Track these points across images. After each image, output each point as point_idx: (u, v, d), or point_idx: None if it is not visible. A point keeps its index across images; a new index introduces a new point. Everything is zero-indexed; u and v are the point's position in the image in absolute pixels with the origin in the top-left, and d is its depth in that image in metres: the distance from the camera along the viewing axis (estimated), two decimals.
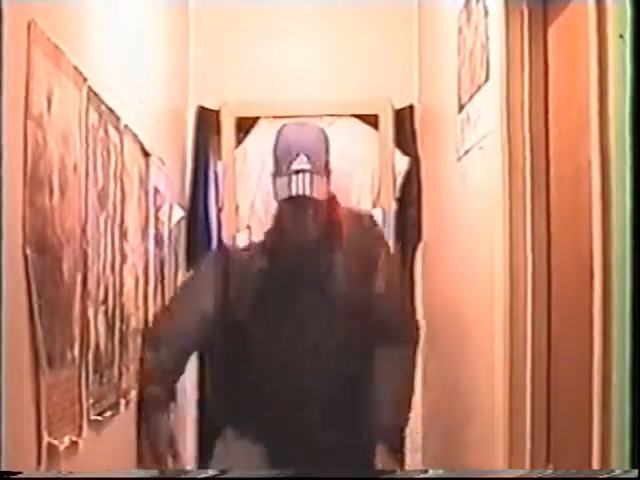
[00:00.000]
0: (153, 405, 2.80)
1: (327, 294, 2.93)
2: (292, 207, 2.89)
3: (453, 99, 3.51)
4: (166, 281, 3.87)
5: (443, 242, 4.00)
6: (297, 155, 2.87)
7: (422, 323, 3.39)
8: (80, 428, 2.33)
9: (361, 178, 4.70)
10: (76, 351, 2.32)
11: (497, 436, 2.74)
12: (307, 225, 2.90)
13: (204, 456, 4.49)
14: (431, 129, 4.39)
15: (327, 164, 2.96)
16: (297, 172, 2.85)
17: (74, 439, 2.25)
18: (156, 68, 3.84)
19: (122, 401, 2.89)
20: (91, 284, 2.47)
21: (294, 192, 2.83)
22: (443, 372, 3.96)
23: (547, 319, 2.62)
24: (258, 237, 3.38)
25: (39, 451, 2.01)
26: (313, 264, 2.95)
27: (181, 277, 4.41)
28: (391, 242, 4.65)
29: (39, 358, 2.00)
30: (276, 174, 2.92)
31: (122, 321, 2.89)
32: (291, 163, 2.86)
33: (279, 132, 3.01)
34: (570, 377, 2.36)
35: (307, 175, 2.83)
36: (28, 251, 1.93)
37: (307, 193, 2.83)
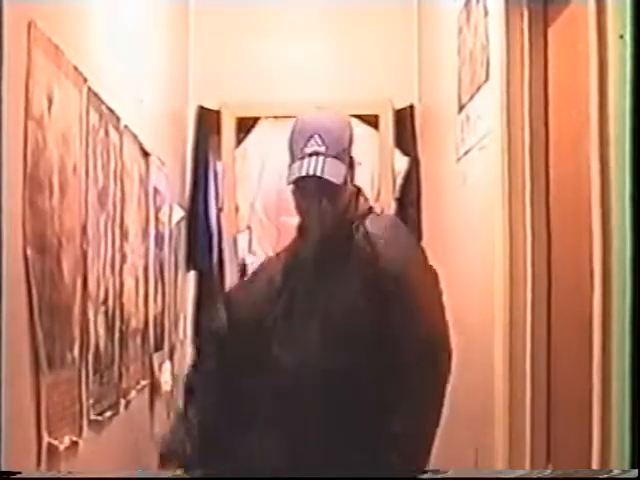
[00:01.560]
0: None
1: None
2: (302, 190, 2.52)
3: (453, 99, 3.51)
4: (166, 281, 3.87)
5: (443, 242, 4.00)
6: (311, 137, 2.53)
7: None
8: (80, 428, 2.33)
9: (361, 178, 4.69)
10: (76, 351, 2.32)
11: (497, 436, 2.74)
12: (320, 209, 2.52)
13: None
14: (431, 129, 4.39)
15: (347, 151, 2.58)
16: (310, 155, 2.49)
17: (74, 439, 2.25)
18: (156, 68, 3.84)
19: (122, 401, 2.89)
20: (91, 284, 2.46)
21: (304, 172, 2.48)
22: None
23: (547, 319, 2.62)
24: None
25: (39, 451, 2.01)
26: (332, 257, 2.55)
27: (181, 277, 4.42)
28: None
29: (39, 359, 2.00)
30: (290, 163, 2.56)
31: (122, 321, 2.89)
32: (305, 146, 2.51)
33: (297, 118, 2.64)
34: (570, 377, 2.36)
35: (321, 157, 2.49)
36: (28, 252, 1.93)
37: (318, 173, 2.47)
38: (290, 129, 2.61)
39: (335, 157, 2.50)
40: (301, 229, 2.62)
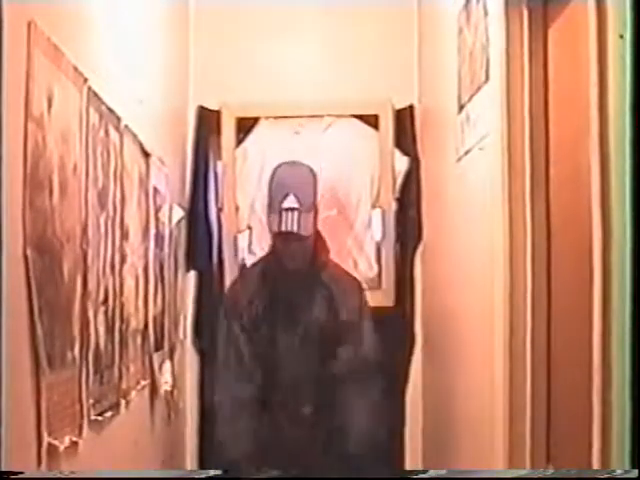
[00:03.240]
0: None
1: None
2: (283, 241, 3.46)
3: (453, 99, 3.51)
4: (166, 281, 3.86)
5: (443, 242, 4.00)
6: (287, 195, 3.36)
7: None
8: (80, 428, 2.33)
9: (361, 178, 4.70)
10: (76, 351, 2.32)
11: (497, 436, 2.74)
12: (297, 255, 3.50)
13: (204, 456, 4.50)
14: (431, 129, 4.39)
15: (314, 202, 3.47)
16: (287, 210, 3.32)
17: (74, 439, 2.25)
18: (156, 68, 3.84)
19: (122, 401, 2.89)
20: (91, 284, 2.46)
21: (284, 228, 3.36)
22: (443, 372, 3.96)
23: (547, 319, 2.62)
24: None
25: (39, 451, 2.01)
26: (304, 287, 3.56)
27: (181, 277, 4.42)
28: (391, 242, 4.66)
29: (39, 358, 2.00)
30: (270, 209, 3.44)
31: (122, 321, 2.89)
32: (282, 202, 3.35)
33: (274, 172, 3.52)
34: (570, 377, 2.36)
35: (296, 213, 3.34)
36: (28, 252, 1.93)
37: (294, 230, 3.35)
38: (269, 177, 3.52)
39: (306, 211, 3.38)
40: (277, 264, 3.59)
